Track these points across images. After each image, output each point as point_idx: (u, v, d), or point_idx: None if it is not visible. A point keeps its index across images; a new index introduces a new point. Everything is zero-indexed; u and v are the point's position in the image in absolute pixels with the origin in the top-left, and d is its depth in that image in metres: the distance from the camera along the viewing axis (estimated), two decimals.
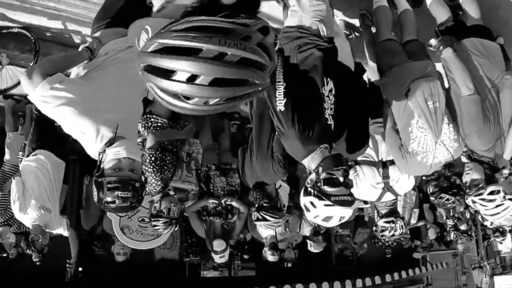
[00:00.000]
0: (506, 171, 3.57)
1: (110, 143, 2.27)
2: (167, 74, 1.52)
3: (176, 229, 4.04)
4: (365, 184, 3.96)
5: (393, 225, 4.46)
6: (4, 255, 4.85)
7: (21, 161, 4.73)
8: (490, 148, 3.33)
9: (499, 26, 3.86)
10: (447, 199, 4.17)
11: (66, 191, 5.38)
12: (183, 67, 1.48)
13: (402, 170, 3.70)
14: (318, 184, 2.34)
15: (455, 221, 7.27)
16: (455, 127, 3.32)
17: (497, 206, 3.42)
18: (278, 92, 2.41)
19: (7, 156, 5.08)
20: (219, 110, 1.62)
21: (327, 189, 2.30)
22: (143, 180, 2.33)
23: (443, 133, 3.26)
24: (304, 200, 2.41)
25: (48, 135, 4.69)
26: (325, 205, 2.29)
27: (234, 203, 4.89)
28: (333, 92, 2.54)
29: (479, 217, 6.81)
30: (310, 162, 2.45)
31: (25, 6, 3.72)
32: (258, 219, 4.19)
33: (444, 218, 7.33)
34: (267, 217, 4.10)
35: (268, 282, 7.44)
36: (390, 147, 3.56)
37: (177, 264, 7.52)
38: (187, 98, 1.54)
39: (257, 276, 8.42)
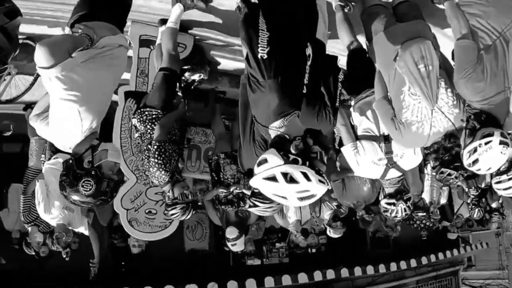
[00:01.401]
0: None
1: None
2: None
3: (193, 212, 4.10)
4: (366, 161, 3.67)
5: (393, 207, 4.13)
6: (33, 253, 5.14)
7: (43, 164, 4.98)
8: (483, 99, 2.95)
9: None
10: (449, 174, 3.60)
11: None
12: None
13: (398, 143, 3.42)
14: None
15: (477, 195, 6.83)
16: (454, 91, 3.03)
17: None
18: (261, 40, 2.34)
19: (30, 163, 5.35)
20: None
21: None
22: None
23: (440, 99, 3.01)
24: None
25: None
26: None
27: (244, 191, 4.96)
28: (310, 60, 2.49)
29: None
30: (278, 128, 2.36)
31: (25, 17, 3.93)
32: (250, 206, 4.21)
33: (466, 189, 6.91)
34: (257, 203, 4.11)
35: (298, 269, 7.45)
36: (382, 119, 3.36)
37: (207, 255, 7.67)
38: None
39: (290, 262, 8.50)
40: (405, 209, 4.14)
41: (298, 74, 2.43)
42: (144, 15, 4.38)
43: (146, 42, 4.59)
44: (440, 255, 8.89)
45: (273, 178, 2.23)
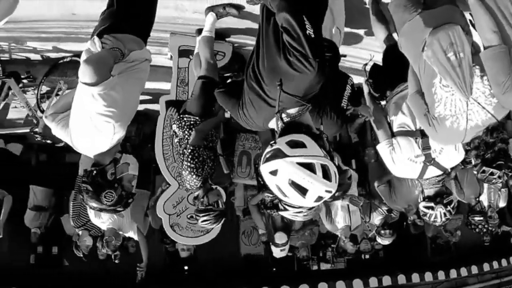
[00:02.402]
0: None
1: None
2: None
3: (223, 220, 4.16)
4: (403, 159, 3.40)
5: (432, 211, 3.69)
6: (81, 255, 5.41)
7: None
8: None
9: None
10: (491, 173, 3.32)
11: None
12: None
13: (433, 140, 3.16)
14: None
15: None
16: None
17: None
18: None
19: (80, 171, 5.52)
20: None
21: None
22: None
23: (475, 89, 2.69)
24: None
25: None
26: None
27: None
28: None
29: None
30: (291, 116, 2.25)
31: (70, 36, 4.23)
32: (280, 210, 4.12)
33: None
34: (286, 206, 4.01)
35: (355, 275, 7.32)
36: (416, 114, 3.13)
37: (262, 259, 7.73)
38: None
39: (347, 268, 8.37)
40: (445, 213, 3.68)
41: None
42: (181, 26, 4.53)
43: (185, 52, 4.74)
44: (504, 262, 8.32)
45: (309, 167, 2.07)
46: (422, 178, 3.61)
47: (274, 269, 7.95)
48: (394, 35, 3.54)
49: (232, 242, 7.50)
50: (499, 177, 3.33)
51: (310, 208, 3.57)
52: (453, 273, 7.85)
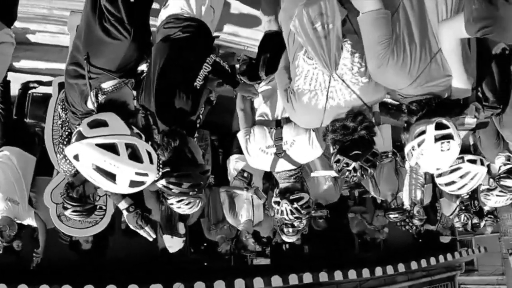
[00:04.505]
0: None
1: None
2: None
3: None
4: (255, 149, 3.17)
5: (278, 207, 3.38)
6: None
7: None
8: (407, 84, 2.32)
9: None
10: (346, 164, 2.55)
11: None
12: None
13: (292, 118, 2.84)
14: None
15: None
16: (362, 57, 2.41)
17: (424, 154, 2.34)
18: None
19: None
20: None
21: None
22: None
23: (341, 65, 2.41)
24: None
25: (15, 132, 4.86)
26: None
27: None
28: None
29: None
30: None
31: None
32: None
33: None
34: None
35: (287, 271, 7.15)
36: (279, 90, 2.85)
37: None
38: None
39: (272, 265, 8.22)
40: (291, 210, 3.31)
41: None
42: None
43: None
44: (433, 260, 8.37)
45: (111, 148, 1.90)
46: (274, 171, 3.34)
47: (206, 263, 7.73)
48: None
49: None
50: (354, 169, 2.56)
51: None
52: (378, 271, 7.81)
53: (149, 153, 1.94)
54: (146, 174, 1.93)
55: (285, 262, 7.75)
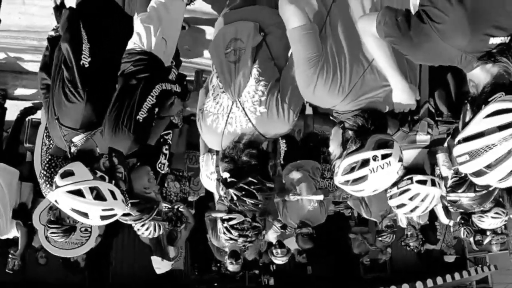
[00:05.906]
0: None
1: None
2: None
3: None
4: (203, 175, 3.41)
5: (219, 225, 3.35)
6: None
7: None
8: (339, 101, 2.16)
9: None
10: (225, 189, 2.38)
11: None
12: None
13: (204, 139, 2.71)
14: None
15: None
16: (267, 86, 2.34)
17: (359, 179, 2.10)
18: None
19: None
20: None
21: None
22: None
23: (245, 92, 2.35)
24: None
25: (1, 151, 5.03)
26: None
27: (184, 211, 4.97)
28: None
29: None
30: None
31: None
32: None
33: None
34: None
35: None
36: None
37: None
38: None
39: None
40: (223, 229, 3.30)
41: None
42: None
43: None
44: (439, 280, 8.20)
45: (78, 192, 2.28)
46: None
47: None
48: None
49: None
50: (240, 198, 2.28)
51: None
52: None
53: (111, 192, 2.31)
54: (112, 209, 2.33)
55: (289, 281, 7.79)
